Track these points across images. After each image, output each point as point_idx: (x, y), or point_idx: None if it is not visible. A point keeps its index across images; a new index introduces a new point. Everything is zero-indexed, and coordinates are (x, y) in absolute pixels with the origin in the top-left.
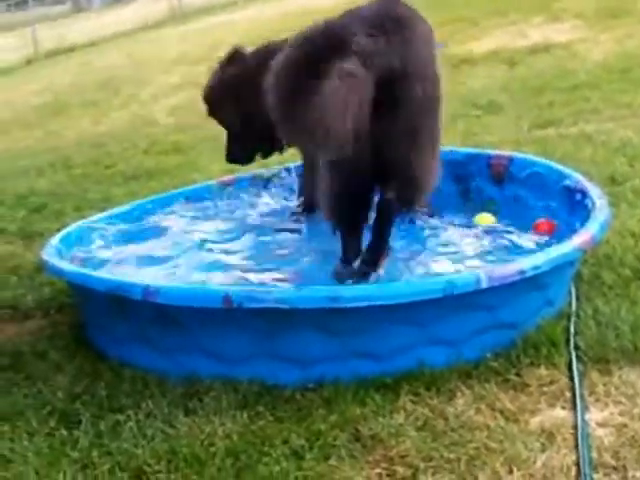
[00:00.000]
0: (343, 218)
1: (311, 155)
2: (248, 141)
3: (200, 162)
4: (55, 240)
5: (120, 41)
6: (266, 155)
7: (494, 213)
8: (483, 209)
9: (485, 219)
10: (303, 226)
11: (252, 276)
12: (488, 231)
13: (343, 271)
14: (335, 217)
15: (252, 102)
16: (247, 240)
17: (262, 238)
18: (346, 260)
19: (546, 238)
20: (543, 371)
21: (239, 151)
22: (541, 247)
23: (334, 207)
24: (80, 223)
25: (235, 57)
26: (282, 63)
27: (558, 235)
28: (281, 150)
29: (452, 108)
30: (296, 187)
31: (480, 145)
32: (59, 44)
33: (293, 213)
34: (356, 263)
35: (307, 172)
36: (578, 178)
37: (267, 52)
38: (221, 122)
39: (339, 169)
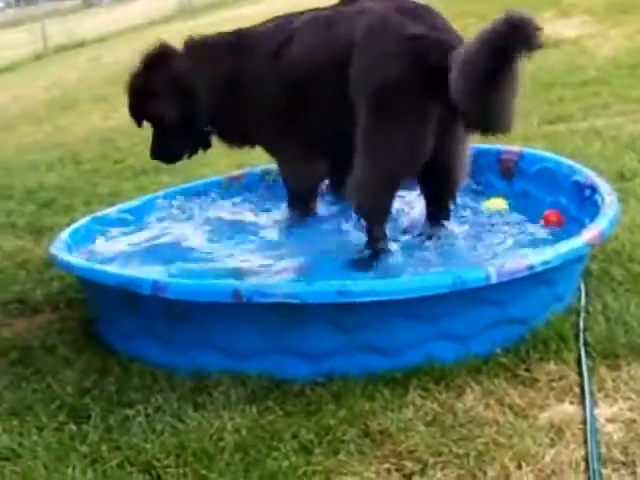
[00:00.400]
0: (388, 207)
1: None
2: (180, 139)
3: (209, 157)
4: (64, 235)
5: (130, 36)
6: (192, 154)
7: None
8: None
9: (496, 203)
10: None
11: (259, 271)
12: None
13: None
14: (382, 206)
15: (192, 100)
16: (253, 235)
17: (269, 233)
18: (376, 247)
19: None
20: (552, 366)
21: (168, 148)
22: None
23: (384, 197)
24: (89, 218)
25: (165, 54)
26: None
27: (567, 228)
28: (205, 148)
29: None
30: None
31: (489, 140)
32: (69, 39)
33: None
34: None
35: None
36: (588, 174)
37: (203, 49)
38: (153, 119)
39: (406, 167)
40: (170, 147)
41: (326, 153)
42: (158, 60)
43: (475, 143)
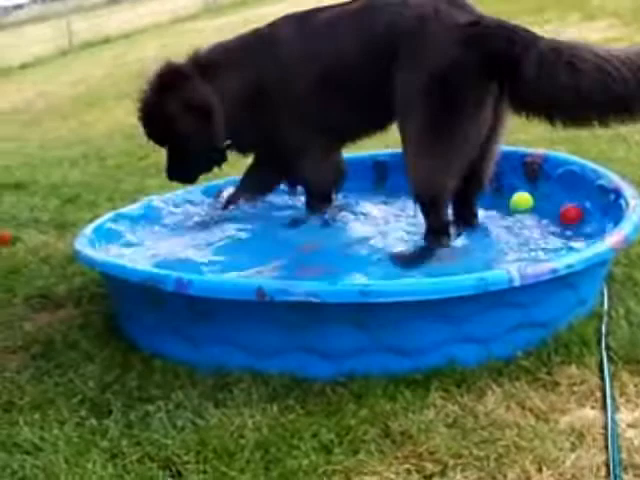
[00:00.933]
0: (449, 194)
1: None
2: (198, 158)
3: (232, 155)
4: (88, 230)
5: (154, 33)
6: (209, 171)
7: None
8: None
9: (522, 199)
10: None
11: (282, 270)
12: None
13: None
14: (444, 194)
15: (211, 118)
16: (277, 233)
17: (294, 231)
18: (437, 239)
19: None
20: (574, 370)
21: (187, 169)
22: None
23: (447, 184)
24: (112, 214)
25: (177, 75)
26: None
27: (586, 224)
28: (221, 164)
29: None
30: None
31: (514, 143)
32: (94, 36)
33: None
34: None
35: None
36: (612, 178)
37: (214, 64)
38: (177, 144)
39: (461, 158)
40: (189, 167)
41: (346, 146)
42: (172, 83)
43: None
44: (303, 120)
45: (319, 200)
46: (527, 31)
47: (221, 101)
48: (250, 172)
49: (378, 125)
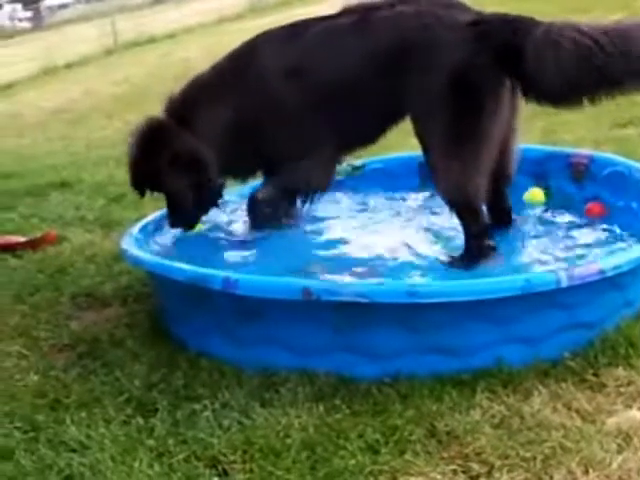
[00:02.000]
0: (483, 196)
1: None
2: (198, 201)
3: None
4: (135, 229)
5: (199, 33)
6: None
7: (574, 210)
8: (563, 206)
9: (535, 194)
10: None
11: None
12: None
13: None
14: (478, 196)
15: (202, 164)
16: (319, 232)
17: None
18: (478, 243)
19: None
20: (621, 372)
21: (189, 214)
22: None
23: (478, 185)
24: (160, 213)
25: (160, 129)
26: None
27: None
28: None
29: (531, 105)
30: None
31: (559, 143)
32: (138, 35)
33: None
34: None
35: None
36: None
37: (188, 108)
38: (172, 197)
39: (489, 155)
40: (191, 212)
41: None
42: (158, 143)
43: (544, 146)
44: (300, 137)
45: (298, 201)
46: (529, 19)
47: (210, 144)
48: None
49: (377, 134)
